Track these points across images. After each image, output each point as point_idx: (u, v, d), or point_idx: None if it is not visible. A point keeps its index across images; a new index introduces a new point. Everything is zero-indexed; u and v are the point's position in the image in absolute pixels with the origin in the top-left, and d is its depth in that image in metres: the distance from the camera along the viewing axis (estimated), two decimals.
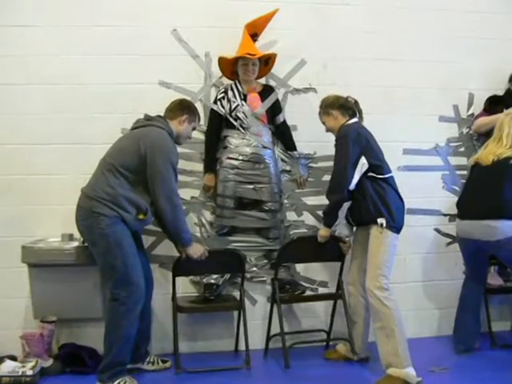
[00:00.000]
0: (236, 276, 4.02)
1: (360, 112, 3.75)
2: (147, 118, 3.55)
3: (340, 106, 3.66)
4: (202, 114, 4.03)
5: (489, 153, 3.75)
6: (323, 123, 3.76)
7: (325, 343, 4.07)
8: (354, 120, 3.65)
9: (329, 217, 3.68)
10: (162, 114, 3.59)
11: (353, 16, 4.27)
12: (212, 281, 3.97)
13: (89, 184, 3.39)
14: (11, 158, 3.92)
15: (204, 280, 3.98)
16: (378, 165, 3.54)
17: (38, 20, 3.94)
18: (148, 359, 3.73)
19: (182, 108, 3.61)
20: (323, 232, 3.76)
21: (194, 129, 3.71)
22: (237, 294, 4.01)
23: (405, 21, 4.32)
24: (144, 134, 3.39)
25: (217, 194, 4.02)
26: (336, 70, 4.20)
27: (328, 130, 3.76)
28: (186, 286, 4.05)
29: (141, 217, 3.35)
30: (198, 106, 4.00)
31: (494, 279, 4.20)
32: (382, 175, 3.54)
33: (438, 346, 4.12)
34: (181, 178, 3.97)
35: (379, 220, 3.46)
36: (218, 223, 4.03)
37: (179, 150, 3.90)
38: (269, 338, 4.00)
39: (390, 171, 3.60)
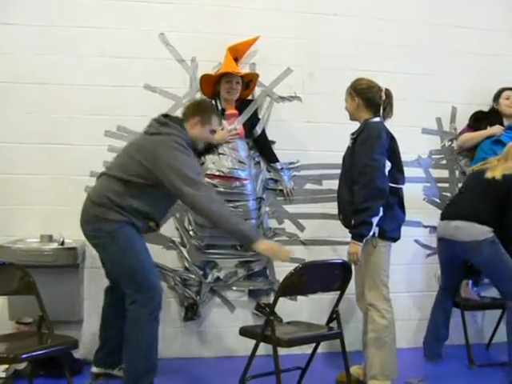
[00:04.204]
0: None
1: (387, 107, 3.43)
2: (161, 121, 3.23)
3: (367, 99, 3.40)
4: None
5: (495, 169, 3.76)
6: (345, 101, 3.51)
7: None
8: (377, 119, 3.39)
9: (367, 226, 3.21)
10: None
11: (340, 26, 4.29)
12: (191, 301, 4.00)
13: (94, 189, 3.23)
14: None
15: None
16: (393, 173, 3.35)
17: (25, 19, 3.91)
18: (120, 366, 3.46)
19: (194, 110, 3.30)
20: (356, 248, 3.23)
21: (212, 132, 3.35)
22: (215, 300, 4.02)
23: (391, 33, 4.35)
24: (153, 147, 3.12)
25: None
26: (322, 79, 4.22)
27: (346, 109, 3.51)
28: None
29: (151, 224, 3.24)
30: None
31: (469, 294, 4.20)
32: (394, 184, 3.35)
33: (415, 357, 4.11)
34: None
35: None
36: (197, 240, 4.01)
37: None
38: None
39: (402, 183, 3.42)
